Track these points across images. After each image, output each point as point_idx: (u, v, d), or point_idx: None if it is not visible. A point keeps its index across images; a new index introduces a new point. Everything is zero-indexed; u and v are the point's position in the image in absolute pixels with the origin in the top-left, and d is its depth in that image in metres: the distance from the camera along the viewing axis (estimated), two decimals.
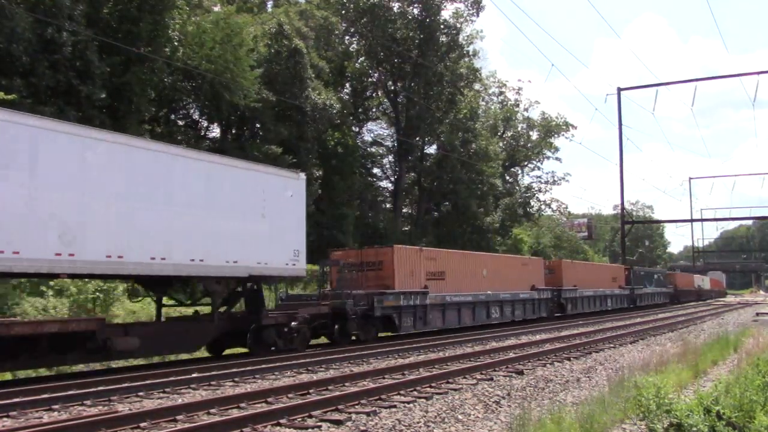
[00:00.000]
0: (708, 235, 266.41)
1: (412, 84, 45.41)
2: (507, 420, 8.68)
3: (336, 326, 19.11)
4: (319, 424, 8.48)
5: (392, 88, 47.31)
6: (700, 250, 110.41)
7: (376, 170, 52.82)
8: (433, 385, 11.41)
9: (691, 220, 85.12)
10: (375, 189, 49.48)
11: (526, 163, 69.56)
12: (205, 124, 34.28)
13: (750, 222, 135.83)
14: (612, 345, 18.97)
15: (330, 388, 11.14)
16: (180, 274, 14.61)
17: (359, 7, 43.77)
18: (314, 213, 33.07)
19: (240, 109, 29.16)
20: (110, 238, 13.10)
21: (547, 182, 71.38)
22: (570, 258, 53.72)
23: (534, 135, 70.04)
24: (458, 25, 47.16)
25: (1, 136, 11.56)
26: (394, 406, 9.54)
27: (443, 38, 46.37)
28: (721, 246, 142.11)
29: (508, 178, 64.17)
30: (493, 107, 66.71)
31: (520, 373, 13.05)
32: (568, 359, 15.44)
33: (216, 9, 30.90)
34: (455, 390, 10.96)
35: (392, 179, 51.83)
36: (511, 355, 15.86)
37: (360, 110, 48.44)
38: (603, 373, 13.19)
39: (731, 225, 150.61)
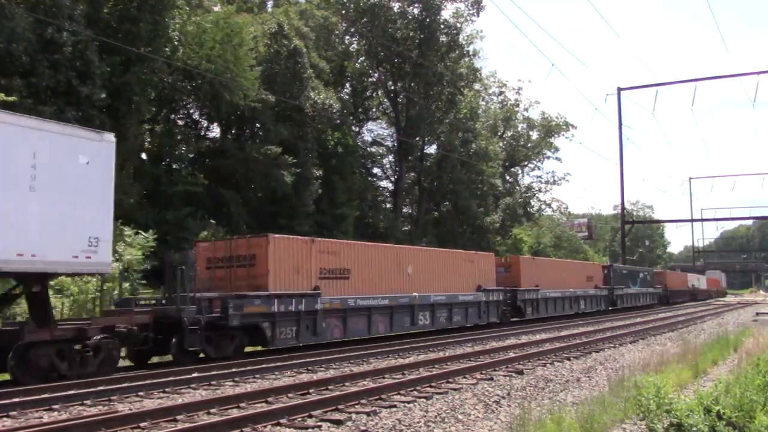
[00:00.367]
0: (708, 235, 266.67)
1: (412, 84, 45.43)
2: (507, 420, 8.68)
3: (174, 340, 14.85)
4: (319, 424, 8.48)
5: (392, 88, 47.33)
6: (700, 250, 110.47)
7: (376, 170, 52.89)
8: (433, 384, 11.41)
9: (691, 220, 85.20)
10: (375, 189, 49.49)
11: (526, 163, 69.63)
12: (205, 124, 34.35)
13: (750, 222, 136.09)
14: (612, 345, 18.98)
15: (330, 387, 11.15)
16: None
17: (359, 7, 43.78)
18: (314, 213, 33.11)
19: (240, 109, 29.19)
20: None
21: (547, 182, 71.52)
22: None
23: (534, 135, 70.12)
24: (458, 25, 47.17)
25: None
26: (394, 406, 9.54)
27: (443, 38, 46.36)
28: (721, 246, 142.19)
29: (508, 178, 64.22)
30: (493, 107, 66.77)
31: (520, 372, 13.05)
32: (568, 359, 15.45)
33: (216, 9, 30.92)
34: (455, 390, 10.96)
35: (392, 179, 51.85)
36: (511, 354, 15.86)
37: (360, 110, 48.47)
38: (603, 372, 13.20)
39: (731, 225, 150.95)
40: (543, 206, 72.25)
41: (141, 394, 10.93)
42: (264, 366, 13.82)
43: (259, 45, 31.19)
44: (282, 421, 8.52)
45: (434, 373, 12.52)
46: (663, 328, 25.56)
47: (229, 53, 27.31)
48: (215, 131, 34.60)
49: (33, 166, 12.20)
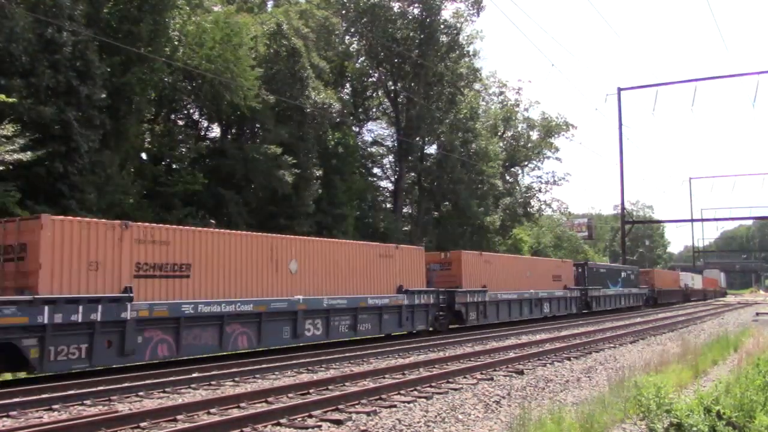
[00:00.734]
0: (708, 235, 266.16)
1: (413, 84, 45.41)
2: (507, 420, 8.68)
3: None
4: (319, 423, 8.48)
5: (392, 88, 47.31)
6: (700, 250, 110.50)
7: (376, 170, 52.83)
8: (433, 384, 11.42)
9: (691, 220, 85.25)
10: (375, 189, 49.47)
11: (526, 163, 69.52)
12: (205, 124, 34.32)
13: (750, 222, 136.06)
14: (612, 345, 19.00)
15: (330, 387, 11.15)
16: None
17: (359, 7, 43.77)
18: (314, 213, 33.08)
19: (240, 109, 29.17)
20: None
21: (547, 182, 71.39)
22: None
23: (534, 135, 70.07)
24: (458, 25, 47.16)
25: None
26: (395, 406, 9.54)
27: (443, 38, 46.33)
28: (721, 246, 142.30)
29: (508, 178, 64.14)
30: (493, 107, 66.74)
31: (521, 372, 13.06)
32: (569, 359, 15.46)
33: (216, 9, 30.91)
34: (455, 390, 10.96)
35: (392, 179, 51.82)
36: (511, 354, 15.87)
37: (360, 110, 48.45)
38: (603, 372, 13.20)
39: (731, 225, 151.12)
40: (543, 206, 72.20)
41: (141, 394, 10.94)
42: (264, 366, 13.83)
43: (258, 45, 31.18)
44: (282, 420, 8.53)
45: (434, 373, 12.53)
46: (663, 328, 25.57)
47: (229, 53, 27.29)
48: (215, 131, 34.60)
49: None
